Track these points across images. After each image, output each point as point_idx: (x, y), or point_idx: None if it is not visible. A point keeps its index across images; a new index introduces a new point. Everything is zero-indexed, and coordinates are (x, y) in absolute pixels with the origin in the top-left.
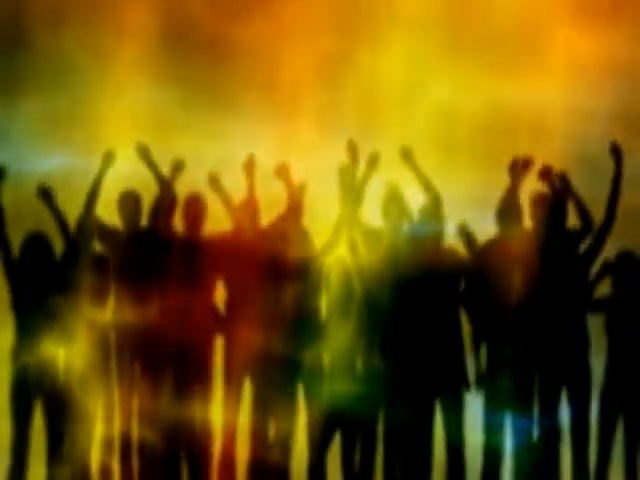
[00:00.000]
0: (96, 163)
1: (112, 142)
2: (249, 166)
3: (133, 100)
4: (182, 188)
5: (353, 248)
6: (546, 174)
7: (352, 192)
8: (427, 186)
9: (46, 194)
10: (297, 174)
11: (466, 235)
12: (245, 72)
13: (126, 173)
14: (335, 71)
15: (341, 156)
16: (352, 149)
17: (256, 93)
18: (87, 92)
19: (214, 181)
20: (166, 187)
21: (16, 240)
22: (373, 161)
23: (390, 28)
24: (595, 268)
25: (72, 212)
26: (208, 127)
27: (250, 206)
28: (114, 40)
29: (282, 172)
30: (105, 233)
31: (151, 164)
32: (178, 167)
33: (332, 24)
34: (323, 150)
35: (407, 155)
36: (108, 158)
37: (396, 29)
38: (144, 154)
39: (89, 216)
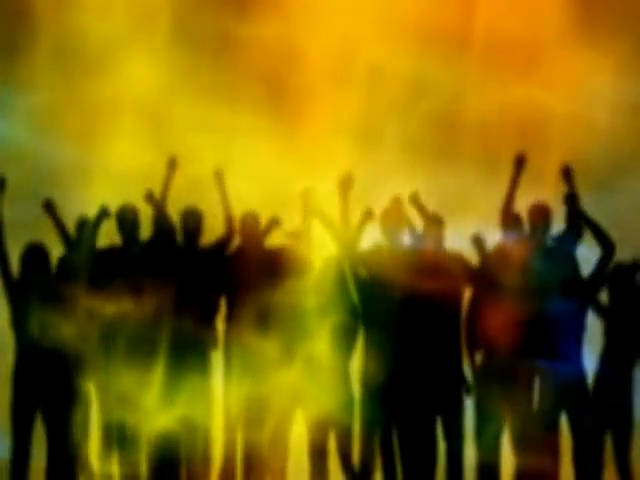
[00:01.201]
0: (96, 156)
1: (112, 134)
2: (270, 226)
3: (136, 91)
4: (183, 182)
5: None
6: (567, 174)
7: (343, 235)
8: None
9: (49, 207)
10: (299, 173)
11: (480, 246)
12: (250, 69)
13: (125, 168)
14: (342, 69)
15: (343, 156)
16: (346, 182)
17: (261, 90)
18: (89, 82)
19: (219, 177)
20: (170, 230)
21: (14, 231)
22: (368, 216)
23: (396, 30)
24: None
25: (71, 204)
26: (211, 121)
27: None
28: (120, 30)
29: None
30: (102, 257)
31: (159, 212)
32: (172, 164)
33: (340, 21)
34: (327, 149)
35: (414, 200)
36: (103, 214)
37: (402, 31)
38: (152, 201)
39: (84, 263)
